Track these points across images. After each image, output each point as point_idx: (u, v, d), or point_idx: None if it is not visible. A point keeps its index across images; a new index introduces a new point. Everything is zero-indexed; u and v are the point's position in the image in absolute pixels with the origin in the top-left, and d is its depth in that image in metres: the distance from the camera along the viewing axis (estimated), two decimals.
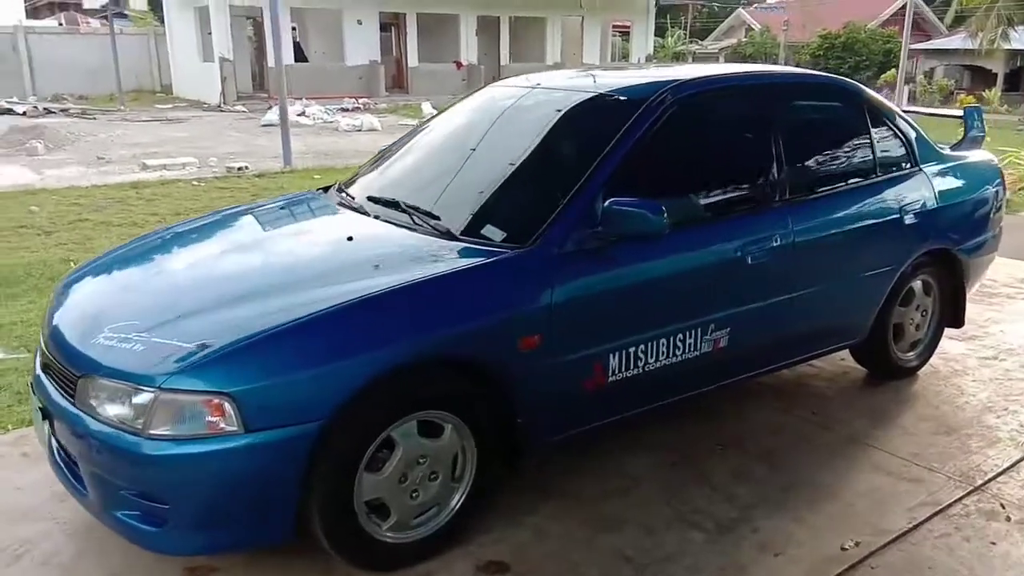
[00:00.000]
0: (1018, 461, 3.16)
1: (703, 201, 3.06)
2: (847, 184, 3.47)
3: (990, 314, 4.94)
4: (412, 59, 25.12)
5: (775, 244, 3.08)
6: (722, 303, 3.00)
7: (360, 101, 21.61)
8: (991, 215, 4.09)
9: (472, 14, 25.77)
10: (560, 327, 2.55)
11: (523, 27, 26.74)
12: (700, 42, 41.55)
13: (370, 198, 3.14)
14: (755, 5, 45.18)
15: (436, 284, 2.41)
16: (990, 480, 3.02)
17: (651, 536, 2.65)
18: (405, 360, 2.28)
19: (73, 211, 8.03)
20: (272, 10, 11.21)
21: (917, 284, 3.82)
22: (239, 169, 10.68)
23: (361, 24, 23.86)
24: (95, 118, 18.39)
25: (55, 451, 2.42)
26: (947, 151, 4.02)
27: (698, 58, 41.36)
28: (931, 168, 3.77)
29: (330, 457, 2.21)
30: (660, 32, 40.47)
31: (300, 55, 24.17)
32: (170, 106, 22.00)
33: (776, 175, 3.17)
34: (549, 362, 2.56)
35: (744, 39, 39.39)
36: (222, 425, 2.08)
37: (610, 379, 2.74)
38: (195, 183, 9.81)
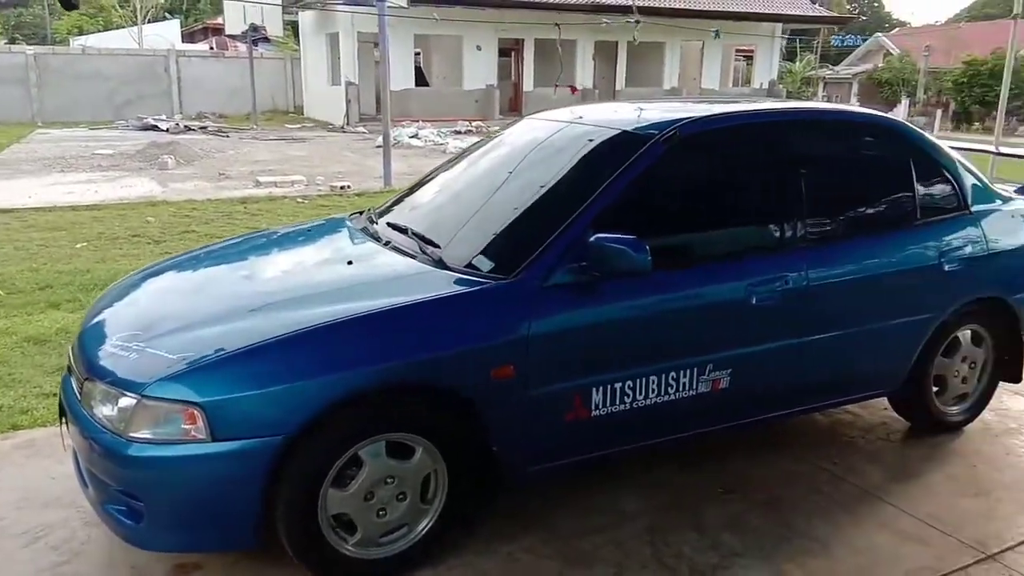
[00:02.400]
0: None
1: (704, 240, 3.03)
2: (878, 228, 3.34)
3: None
4: (528, 83, 25.55)
5: (785, 287, 3.00)
6: (722, 344, 2.95)
7: (474, 124, 22.20)
8: None
9: (590, 39, 25.97)
10: (537, 359, 2.60)
11: (641, 51, 26.63)
12: (832, 67, 40.06)
13: (388, 224, 3.29)
14: (896, 30, 43.20)
15: (408, 311, 2.51)
16: (1007, 549, 2.82)
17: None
18: (370, 383, 2.39)
19: (184, 223, 8.69)
20: (382, 40, 11.74)
21: (964, 334, 3.60)
22: (341, 188, 11.23)
23: (480, 50, 24.51)
24: (228, 136, 19.77)
25: (70, 447, 2.69)
26: (1011, 194, 3.77)
27: (829, 84, 39.96)
28: (986, 213, 3.55)
29: (295, 471, 2.34)
30: (791, 56, 39.38)
31: (421, 79, 25.09)
32: (298, 126, 23.33)
33: (793, 217, 3.09)
34: (525, 393, 2.61)
35: (881, 65, 37.71)
36: (193, 433, 2.26)
37: (593, 413, 2.76)
38: (299, 200, 10.40)
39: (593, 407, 2.75)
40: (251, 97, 23.13)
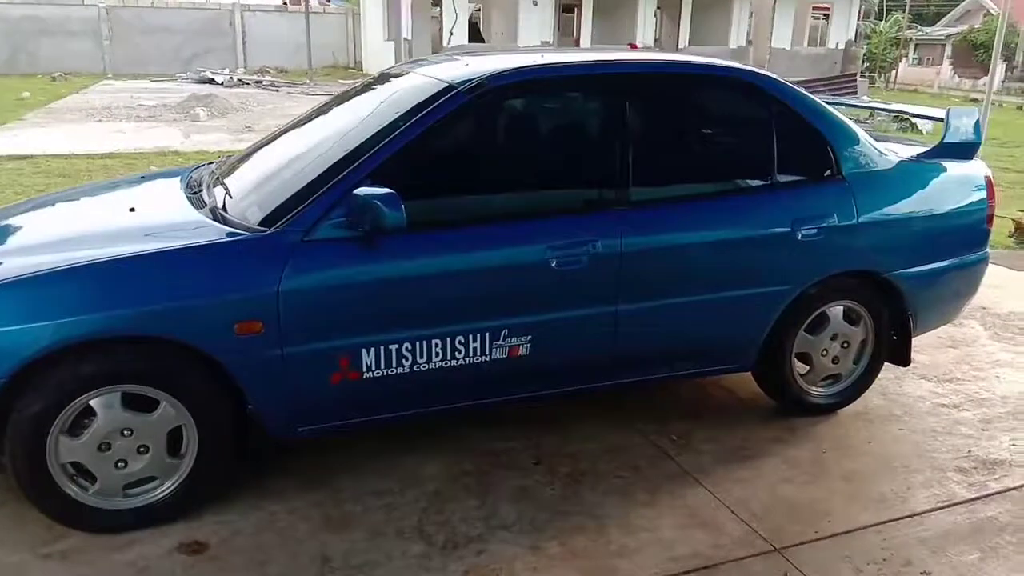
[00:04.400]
0: (854, 529, 2.68)
1: (501, 198, 2.86)
2: (722, 191, 3.09)
3: (1002, 355, 4.18)
4: (585, 41, 24.95)
5: (593, 251, 2.81)
6: (518, 308, 2.80)
7: None
8: (959, 238, 3.46)
9: None
10: (292, 316, 2.51)
11: (707, 7, 25.61)
12: (922, 28, 37.62)
13: (211, 174, 3.24)
14: None
15: (142, 260, 2.45)
16: (803, 543, 2.60)
17: (369, 542, 2.56)
18: (96, 331, 2.36)
19: None
20: None
21: (834, 311, 3.32)
22: None
23: (536, 5, 24.02)
24: (277, 90, 20.07)
25: None
26: (904, 157, 3.43)
27: (921, 45, 37.58)
28: (863, 178, 3.23)
29: (19, 415, 2.35)
30: (882, 15, 37.17)
31: (475, 35, 24.81)
32: (352, 81, 23.48)
33: (610, 178, 2.89)
34: (279, 351, 2.53)
35: (978, 26, 35.17)
36: None
37: (366, 375, 2.66)
38: None
39: (365, 369, 2.65)
40: (315, 52, 23.36)
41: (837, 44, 27.47)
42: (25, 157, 9.69)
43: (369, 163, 2.64)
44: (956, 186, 3.46)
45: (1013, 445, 3.26)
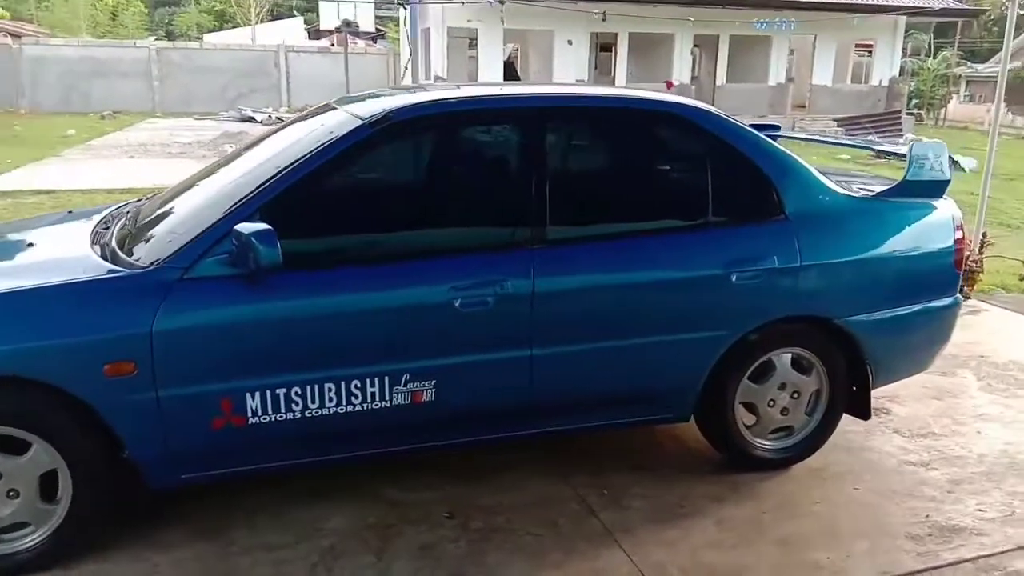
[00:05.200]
0: None
1: (401, 236, 2.72)
2: (647, 231, 2.91)
3: (990, 408, 3.86)
4: (619, 78, 24.92)
5: (502, 292, 2.65)
6: (420, 352, 2.65)
7: None
8: (922, 282, 3.21)
9: (689, 33, 25.00)
10: (167, 357, 2.40)
11: (746, 45, 25.38)
12: (973, 65, 36.77)
13: (126, 211, 3.17)
14: None
15: (6, 298, 2.37)
16: None
17: None
18: None
19: None
20: (412, 32, 11.67)
21: (781, 358, 3.09)
22: None
23: (571, 44, 24.12)
24: None
25: None
26: (860, 196, 3.20)
27: (973, 82, 36.69)
28: (808, 218, 3.02)
29: None
30: (932, 52, 36.45)
31: (511, 74, 24.98)
32: None
33: (523, 215, 2.74)
34: (153, 394, 2.42)
35: None
36: None
37: (251, 421, 2.53)
38: None
39: (250, 414, 2.52)
40: (355, 90, 23.78)
41: (881, 81, 26.92)
42: (49, 192, 9.96)
43: (260, 198, 2.55)
44: (919, 227, 3.21)
45: (979, 510, 2.96)
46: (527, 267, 2.69)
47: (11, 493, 2.41)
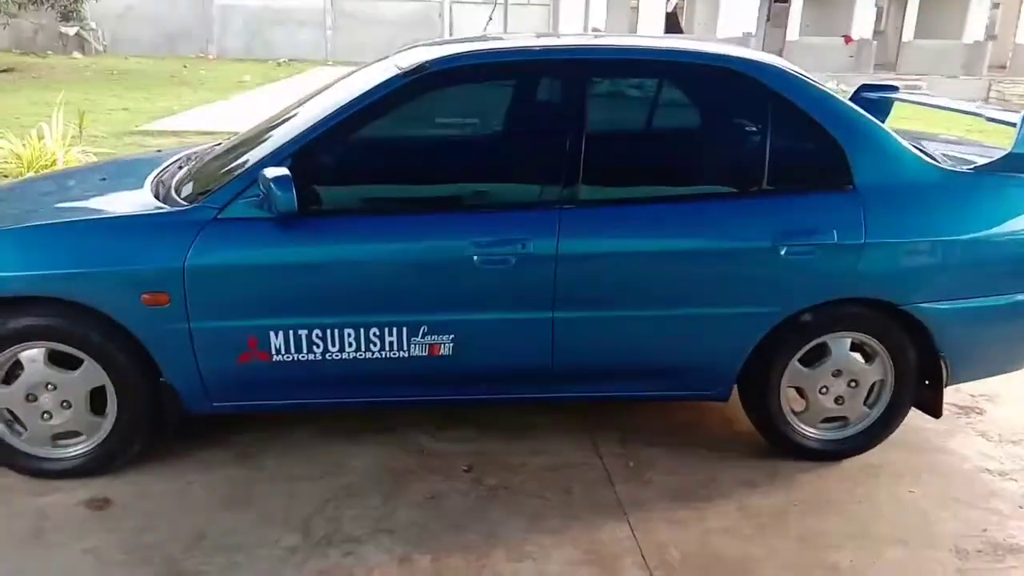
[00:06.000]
0: None
1: (426, 188, 2.71)
2: (692, 194, 2.74)
3: None
4: (792, 32, 23.38)
5: (523, 251, 2.60)
6: (437, 305, 2.66)
7: None
8: (1018, 269, 2.83)
9: None
10: (197, 291, 2.55)
11: None
12: None
13: (195, 154, 3.36)
14: None
15: (64, 228, 2.60)
16: None
17: (253, 525, 2.54)
18: (14, 290, 2.54)
19: None
20: None
21: (838, 342, 2.84)
22: None
23: None
24: None
25: None
26: (956, 169, 2.85)
27: None
28: (882, 190, 2.72)
29: None
30: None
31: (673, 26, 24.09)
32: None
33: (553, 173, 2.65)
34: (185, 325, 2.59)
35: None
36: None
37: (275, 359, 2.66)
38: None
39: (274, 352, 2.65)
40: None
41: None
42: (210, 132, 10.73)
43: (293, 144, 2.63)
44: (1019, 207, 2.82)
45: None
46: (552, 227, 2.61)
47: (64, 404, 2.67)
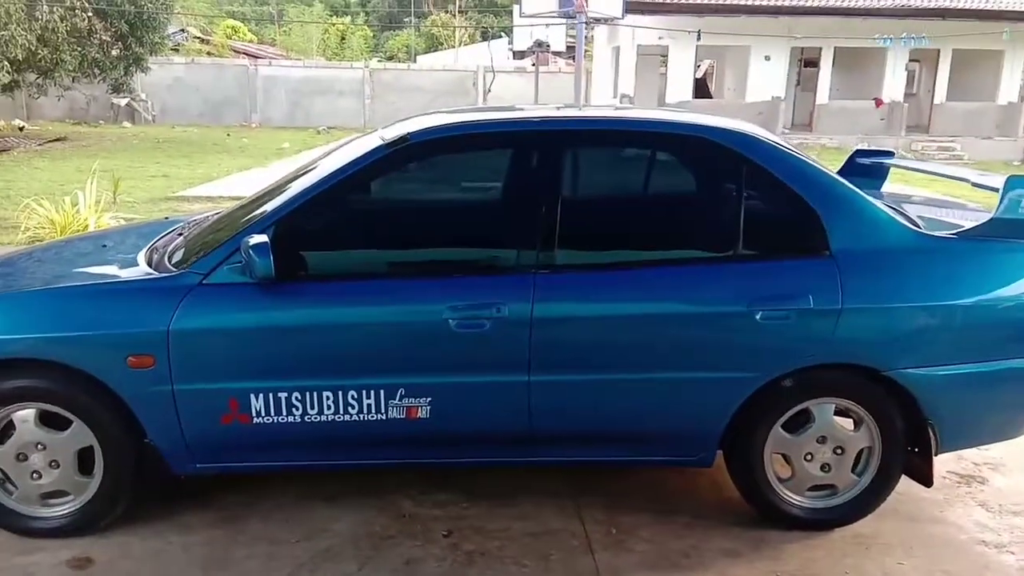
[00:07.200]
0: None
1: (405, 254, 2.78)
2: (666, 260, 2.76)
3: None
4: (822, 95, 23.48)
5: (498, 315, 2.64)
6: (415, 368, 2.70)
7: None
8: (1005, 337, 2.78)
9: (904, 47, 23.08)
10: (181, 354, 2.64)
11: (971, 59, 23.01)
12: None
13: (194, 222, 3.49)
14: None
15: (54, 294, 2.73)
16: None
17: None
18: (5, 352, 2.64)
19: None
20: (578, 48, 11.77)
21: (822, 408, 2.80)
22: None
23: (768, 60, 23.11)
24: None
25: None
26: (936, 235, 2.84)
27: None
28: (857, 256, 2.72)
29: None
30: None
31: (702, 91, 24.36)
32: None
33: (530, 239, 2.71)
34: (168, 387, 2.66)
35: None
36: None
37: (255, 420, 2.71)
38: None
39: (254, 414, 2.70)
40: None
41: None
42: (214, 198, 11.03)
43: (275, 213, 2.73)
44: (1004, 272, 2.78)
45: None
46: (527, 292, 2.66)
47: (53, 463, 2.74)
